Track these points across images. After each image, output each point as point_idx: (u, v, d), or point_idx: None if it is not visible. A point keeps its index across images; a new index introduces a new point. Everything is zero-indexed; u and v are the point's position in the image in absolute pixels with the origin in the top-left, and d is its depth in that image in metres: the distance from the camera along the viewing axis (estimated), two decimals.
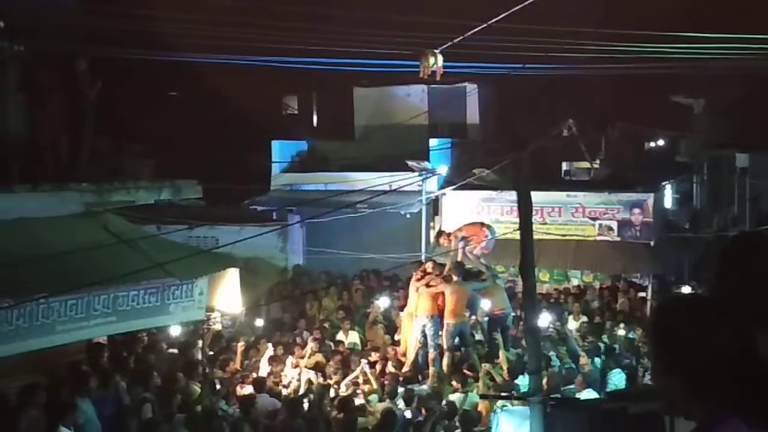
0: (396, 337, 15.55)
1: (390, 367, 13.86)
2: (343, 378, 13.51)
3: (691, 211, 25.39)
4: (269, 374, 13.75)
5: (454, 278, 14.54)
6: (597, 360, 13.99)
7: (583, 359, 13.68)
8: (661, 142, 28.69)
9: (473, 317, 15.27)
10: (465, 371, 13.81)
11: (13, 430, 9.60)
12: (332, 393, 12.94)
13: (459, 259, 15.22)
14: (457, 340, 14.45)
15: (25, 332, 9.52)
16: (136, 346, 13.45)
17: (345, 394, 12.78)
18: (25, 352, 9.81)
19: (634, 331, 15.71)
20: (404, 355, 14.71)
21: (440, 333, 14.53)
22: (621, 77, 21.47)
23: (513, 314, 15.40)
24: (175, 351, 13.72)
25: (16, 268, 9.29)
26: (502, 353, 14.14)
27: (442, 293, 14.74)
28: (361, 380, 13.33)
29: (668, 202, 24.12)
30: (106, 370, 11.77)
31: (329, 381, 13.37)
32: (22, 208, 10.74)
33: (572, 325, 16.19)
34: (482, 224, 16.29)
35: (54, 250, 9.86)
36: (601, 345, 14.93)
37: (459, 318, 14.36)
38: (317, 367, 13.82)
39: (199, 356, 13.29)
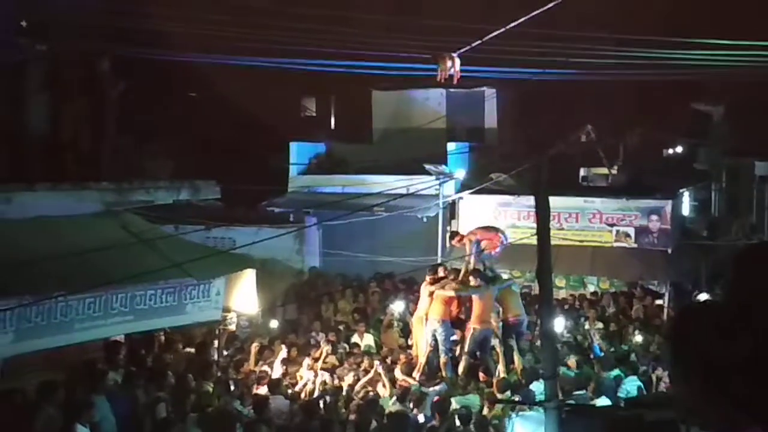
0: (410, 341, 15.56)
1: (398, 371, 13.83)
2: (357, 380, 13.52)
3: (709, 218, 25.28)
4: (284, 375, 13.78)
5: (478, 282, 14.50)
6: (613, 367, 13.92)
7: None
8: (679, 149, 28.59)
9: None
10: (480, 376, 13.80)
11: (31, 426, 9.68)
12: (346, 395, 12.96)
13: (472, 262, 15.18)
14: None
15: (44, 330, 9.61)
16: (153, 345, 13.51)
17: (359, 396, 12.79)
18: (43, 349, 9.89)
19: (650, 338, 15.64)
20: (416, 358, 14.70)
21: (452, 338, 14.52)
22: (640, 83, 21.42)
23: (527, 320, 15.36)
24: (192, 351, 13.76)
25: (36, 265, 9.37)
26: (517, 359, 14.11)
27: (457, 298, 14.73)
28: (374, 382, 13.33)
29: (686, 209, 24.02)
30: (123, 368, 11.83)
31: (343, 383, 13.39)
32: (42, 207, 10.85)
33: (597, 330, 16.11)
34: (496, 229, 16.26)
35: (73, 249, 9.94)
36: (617, 352, 14.88)
37: (485, 324, 14.30)
38: (331, 369, 13.84)
39: (215, 356, 13.34)
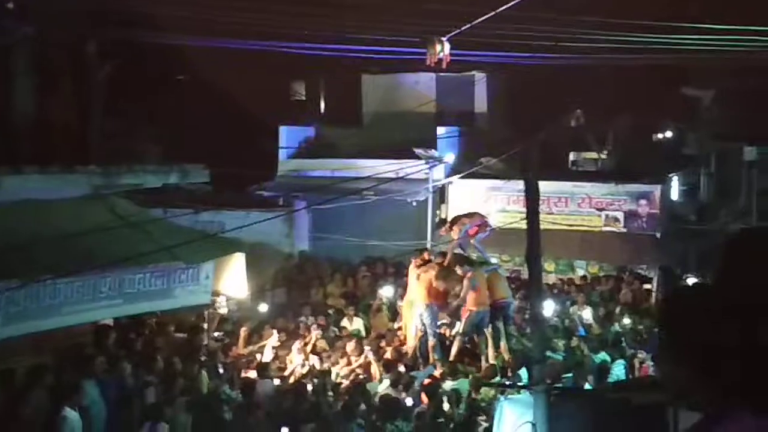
0: (396, 325, 15.58)
1: (389, 355, 13.87)
2: (346, 364, 13.55)
3: (697, 203, 25.33)
4: (273, 359, 13.79)
5: (465, 271, 14.49)
6: (600, 351, 13.99)
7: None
8: (668, 134, 28.60)
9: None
10: (469, 359, 13.85)
11: (20, 409, 9.66)
12: (335, 378, 12.99)
13: (458, 248, 15.17)
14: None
15: (33, 313, 9.58)
16: (142, 329, 13.49)
17: (347, 380, 12.82)
18: (31, 332, 9.86)
19: (638, 322, 15.72)
20: (404, 342, 14.73)
21: (439, 321, 14.56)
22: (630, 68, 21.40)
23: (515, 303, 15.40)
24: (181, 335, 13.75)
25: (24, 249, 9.33)
26: (504, 342, 14.16)
27: (443, 280, 14.74)
28: (363, 366, 13.36)
29: (675, 194, 24.07)
30: (112, 352, 11.81)
31: (332, 366, 13.41)
32: (29, 190, 10.78)
33: (587, 314, 16.19)
34: (480, 215, 16.25)
35: (61, 232, 9.90)
36: (606, 335, 14.96)
37: (482, 306, 14.34)
38: (321, 353, 13.86)
39: (205, 340, 13.33)
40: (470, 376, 12.93)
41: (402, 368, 13.23)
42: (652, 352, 13.08)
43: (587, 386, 12.00)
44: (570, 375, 12.42)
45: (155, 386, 11.24)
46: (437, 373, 13.20)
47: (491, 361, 13.59)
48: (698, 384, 2.30)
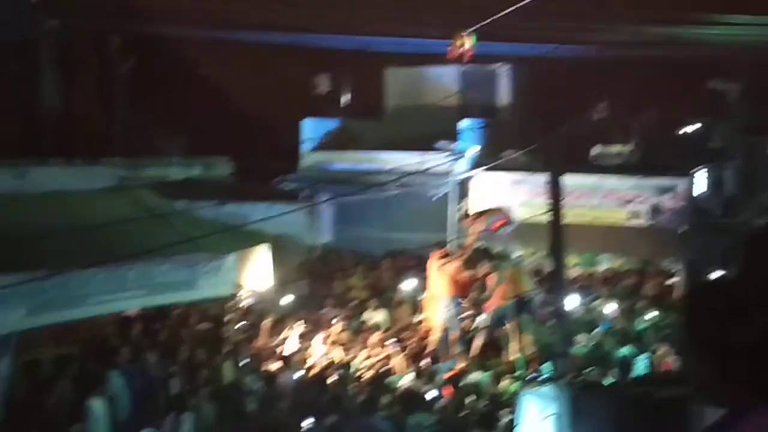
0: (419, 317, 15.59)
1: (412, 347, 13.89)
2: (368, 356, 13.57)
3: (723, 197, 25.08)
4: (296, 351, 13.84)
5: (486, 264, 14.48)
6: (624, 345, 13.94)
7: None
8: (694, 128, 28.35)
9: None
10: (492, 352, 13.84)
11: (46, 399, 9.77)
12: (357, 370, 13.02)
13: (480, 242, 15.16)
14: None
15: (59, 303, 9.67)
16: (167, 320, 13.58)
17: (369, 372, 12.85)
18: (57, 323, 9.96)
19: (662, 316, 15.62)
20: (427, 335, 14.74)
21: (462, 314, 14.56)
22: (655, 60, 21.25)
23: (538, 296, 15.36)
24: (205, 326, 13.83)
25: (50, 240, 9.42)
26: (527, 335, 14.13)
27: (465, 273, 14.75)
28: (386, 359, 13.38)
29: (700, 188, 23.87)
30: (137, 343, 11.90)
31: (354, 359, 13.45)
32: (55, 181, 10.89)
33: (610, 308, 16.12)
34: (502, 210, 16.21)
35: (87, 223, 9.99)
36: (630, 330, 14.89)
37: (505, 300, 14.31)
38: (343, 345, 13.90)
39: (228, 332, 13.40)
40: (494, 369, 12.92)
41: (424, 361, 13.24)
42: (675, 347, 13.02)
43: (611, 380, 11.95)
44: (593, 369, 12.38)
45: (179, 377, 11.32)
46: (459, 366, 13.20)
47: (513, 354, 13.57)
48: (721, 380, 2.29)
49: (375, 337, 13.97)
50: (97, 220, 10.29)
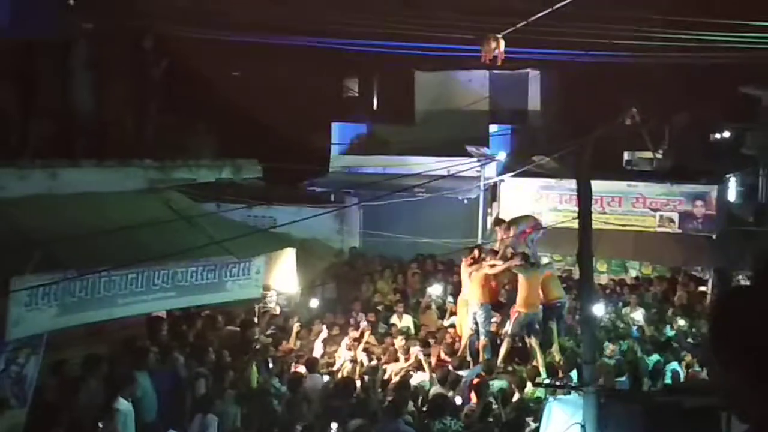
0: (446, 323, 15.55)
1: (439, 353, 13.85)
2: (395, 360, 13.56)
3: (755, 204, 24.81)
4: (323, 355, 13.85)
5: (521, 261, 14.44)
6: (653, 353, 13.81)
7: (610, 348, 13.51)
8: (726, 134, 28.07)
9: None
10: (518, 359, 13.78)
11: (74, 399, 9.85)
12: (383, 375, 13.01)
13: (514, 247, 15.09)
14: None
15: (87, 304, 9.73)
16: (194, 322, 13.66)
17: (396, 377, 12.83)
18: (86, 323, 10.03)
19: (693, 324, 15.47)
20: (456, 340, 14.70)
21: (492, 320, 14.50)
22: (687, 66, 21.05)
23: (568, 303, 15.27)
24: (232, 328, 13.90)
25: (80, 240, 9.49)
26: (556, 342, 14.04)
27: (496, 281, 14.71)
28: (413, 365, 13.35)
29: (732, 194, 23.63)
30: (165, 344, 11.97)
31: (380, 363, 13.43)
32: (87, 183, 10.97)
33: (639, 316, 15.98)
34: (534, 217, 16.17)
35: (117, 225, 10.05)
36: (659, 337, 14.76)
37: (532, 308, 14.19)
38: (370, 350, 13.89)
39: (256, 335, 13.44)
40: (518, 376, 12.85)
41: (450, 367, 13.21)
42: (704, 355, 12.88)
43: (639, 388, 11.83)
44: (623, 378, 12.27)
45: (206, 378, 11.37)
46: (485, 372, 13.14)
47: (539, 361, 13.48)
48: (751, 389, 2.25)
49: (401, 342, 13.96)
50: (127, 221, 10.35)
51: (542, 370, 13.12)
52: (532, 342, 14.02)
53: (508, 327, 14.30)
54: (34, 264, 8.91)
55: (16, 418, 9.25)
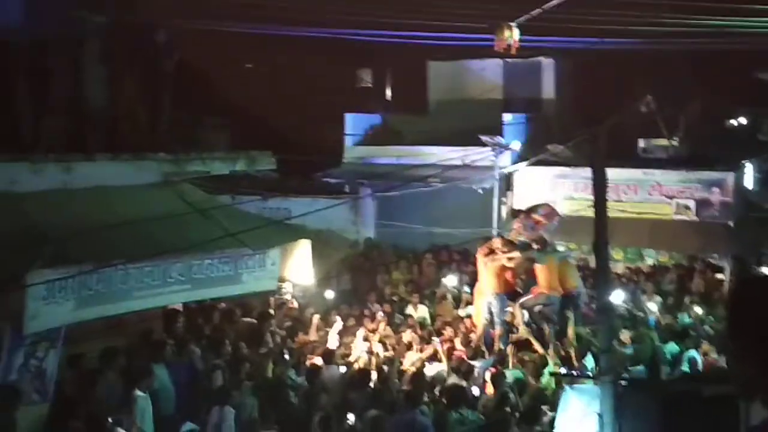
0: (462, 312, 15.53)
1: (456, 343, 13.84)
2: (410, 351, 13.55)
3: None
4: (339, 346, 13.87)
5: (538, 247, 14.46)
6: (670, 341, 13.75)
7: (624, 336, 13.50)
8: (742, 120, 27.87)
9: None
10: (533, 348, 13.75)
11: (92, 391, 9.90)
12: (400, 366, 13.00)
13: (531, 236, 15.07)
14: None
15: (104, 297, 9.77)
16: (210, 314, 13.70)
17: (413, 368, 12.82)
18: (104, 316, 10.07)
19: (710, 312, 15.39)
20: (472, 330, 14.68)
21: (506, 310, 14.48)
22: (703, 52, 20.89)
23: (584, 292, 15.22)
24: (248, 320, 13.93)
25: (96, 234, 9.53)
26: (571, 331, 14.00)
27: (510, 269, 14.69)
28: (430, 355, 13.34)
29: (749, 181, 23.46)
30: (181, 336, 12.01)
31: (396, 354, 13.43)
32: (102, 176, 11.01)
33: (655, 304, 15.92)
34: (549, 205, 16.12)
35: (132, 218, 10.09)
36: (676, 325, 14.70)
37: (554, 292, 14.31)
38: (386, 340, 13.89)
39: (271, 326, 13.47)
40: (533, 364, 12.82)
41: (465, 357, 13.19)
42: (721, 343, 12.81)
43: (656, 377, 11.78)
44: (640, 367, 12.22)
45: (223, 370, 11.40)
46: (500, 362, 13.11)
47: (552, 351, 13.44)
48: (764, 378, 2.22)
49: (417, 332, 13.95)
50: (142, 214, 10.38)
51: (553, 359, 13.07)
52: (551, 328, 14.00)
53: (527, 315, 14.26)
54: (49, 258, 8.95)
55: (39, 412, 9.30)
